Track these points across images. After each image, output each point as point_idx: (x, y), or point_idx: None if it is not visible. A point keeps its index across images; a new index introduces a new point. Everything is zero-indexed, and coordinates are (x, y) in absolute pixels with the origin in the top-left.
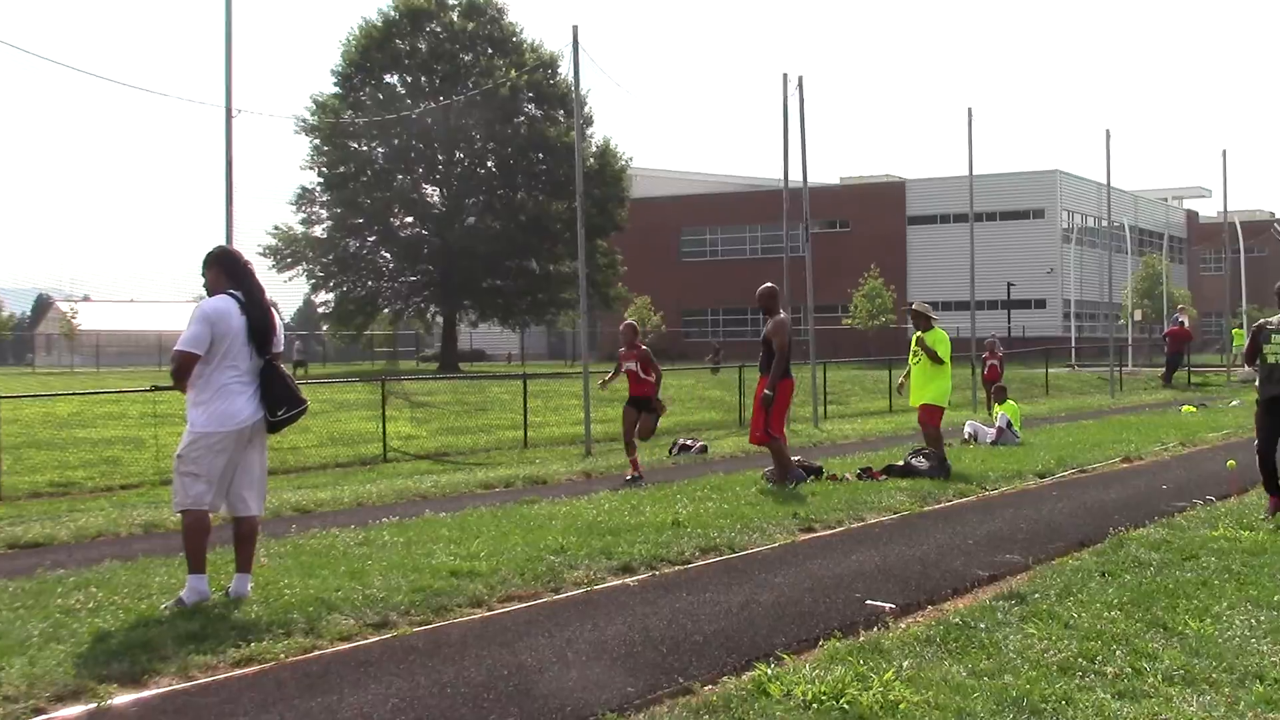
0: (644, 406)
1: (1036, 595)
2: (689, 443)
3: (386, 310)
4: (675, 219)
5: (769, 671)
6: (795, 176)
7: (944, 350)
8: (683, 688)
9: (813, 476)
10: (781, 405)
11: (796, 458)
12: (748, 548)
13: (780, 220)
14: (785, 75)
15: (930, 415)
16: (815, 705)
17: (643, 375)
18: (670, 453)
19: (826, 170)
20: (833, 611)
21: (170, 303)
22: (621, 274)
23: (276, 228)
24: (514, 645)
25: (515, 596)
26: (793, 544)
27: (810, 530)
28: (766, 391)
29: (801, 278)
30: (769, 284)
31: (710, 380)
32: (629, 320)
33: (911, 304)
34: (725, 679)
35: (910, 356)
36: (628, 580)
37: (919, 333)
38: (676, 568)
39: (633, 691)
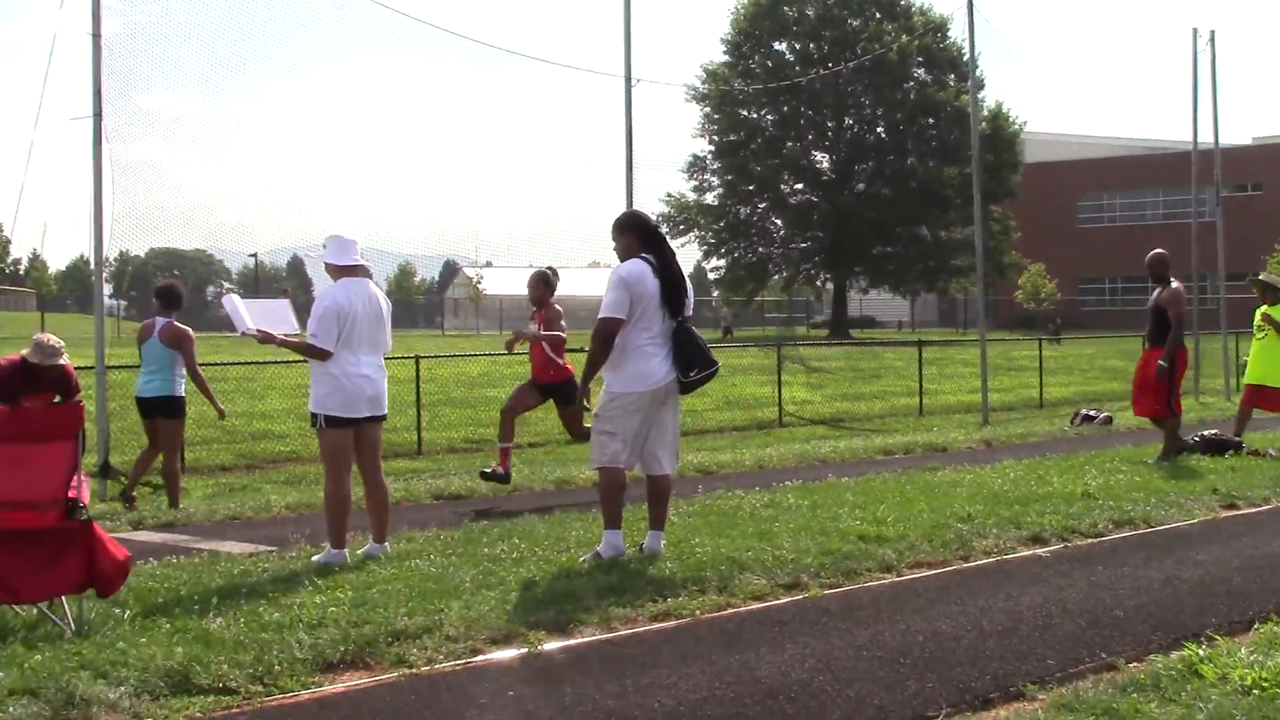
0: (556, 396)
1: None
2: (1092, 413)
3: (777, 276)
4: (1072, 184)
5: (1200, 652)
6: (1204, 137)
7: None
8: (1105, 663)
9: (1231, 451)
10: (1176, 378)
11: (1213, 430)
12: (1164, 522)
13: (1186, 185)
14: (1195, 30)
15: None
16: (1256, 691)
17: (551, 353)
18: (1072, 423)
19: (1237, 129)
20: (1267, 593)
21: (568, 268)
22: (1015, 240)
23: (669, 195)
24: (926, 612)
25: (924, 563)
26: (1214, 520)
27: (1233, 507)
28: (1161, 363)
29: (1209, 244)
30: (1160, 250)
31: (1111, 349)
32: (540, 269)
33: (1258, 274)
34: (1152, 657)
35: (1255, 331)
36: (1039, 551)
37: (1264, 306)
38: (1089, 540)
39: (1053, 664)
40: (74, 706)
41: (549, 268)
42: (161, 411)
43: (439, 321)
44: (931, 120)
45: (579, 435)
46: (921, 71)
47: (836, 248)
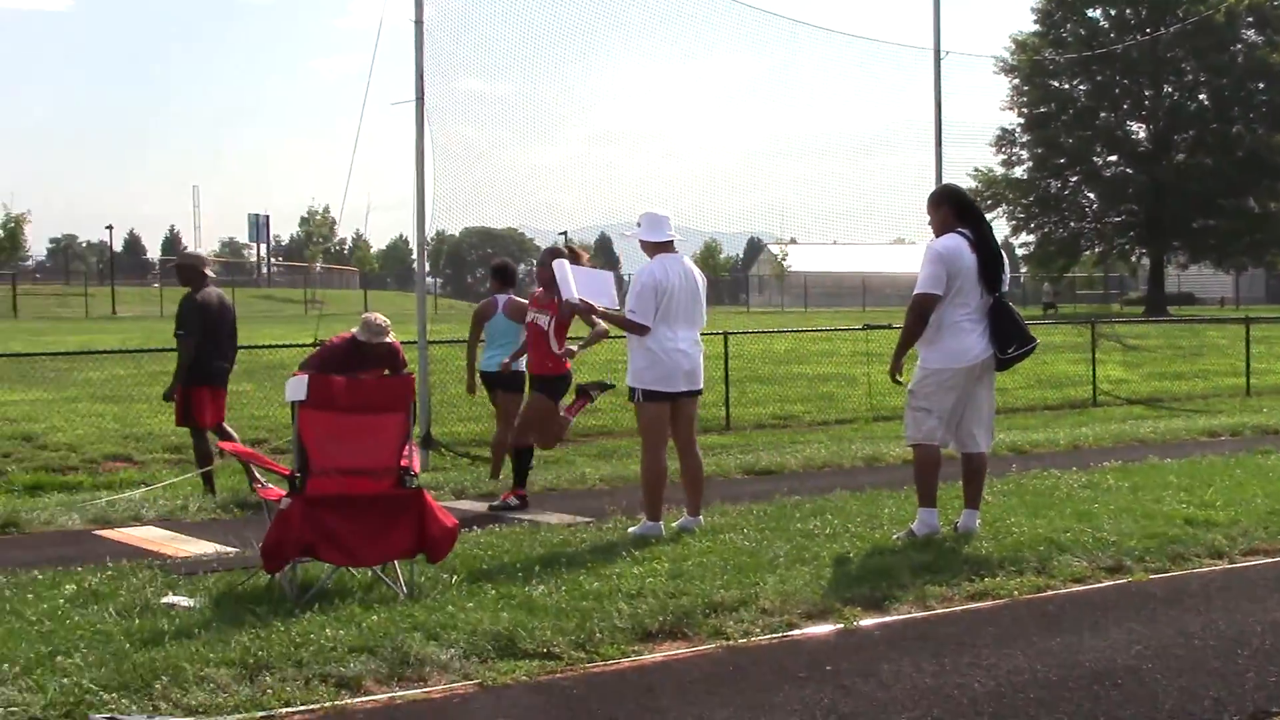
0: (549, 389)
1: None
2: None
3: (1089, 252)
4: None
5: None
6: None
7: None
8: None
9: None
10: None
11: None
12: None
13: None
14: None
15: None
16: None
17: (556, 348)
18: None
19: None
20: None
21: (872, 245)
22: None
23: (976, 169)
24: (1265, 601)
25: (1259, 550)
26: None
27: None
28: None
29: None
30: None
31: None
32: (554, 245)
33: None
34: None
35: None
36: None
37: None
38: None
39: None
40: (408, 665)
41: (567, 244)
42: (503, 385)
43: (744, 298)
44: (1262, 85)
45: (518, 440)
46: (1251, 33)
47: (1153, 222)
